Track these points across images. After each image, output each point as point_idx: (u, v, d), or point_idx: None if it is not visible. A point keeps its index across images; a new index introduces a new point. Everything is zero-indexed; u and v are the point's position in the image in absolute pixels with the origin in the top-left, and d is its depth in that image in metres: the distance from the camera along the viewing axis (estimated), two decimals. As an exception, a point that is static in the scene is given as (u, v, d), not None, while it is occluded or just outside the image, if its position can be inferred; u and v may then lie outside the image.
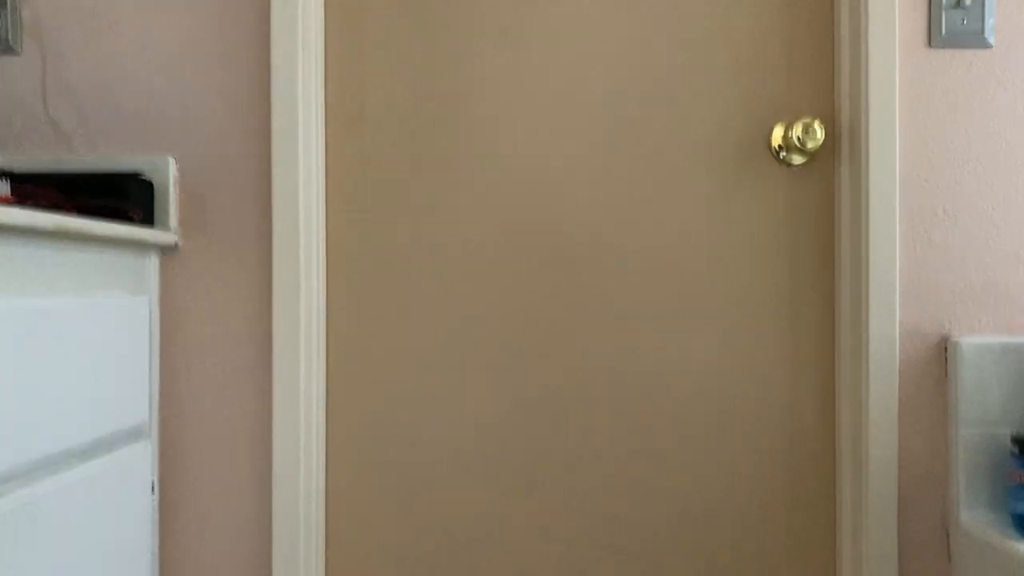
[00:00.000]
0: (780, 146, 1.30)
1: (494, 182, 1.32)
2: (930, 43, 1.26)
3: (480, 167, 1.32)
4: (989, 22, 1.26)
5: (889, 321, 1.24)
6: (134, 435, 1.19)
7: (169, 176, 1.25)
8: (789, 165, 1.31)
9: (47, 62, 1.27)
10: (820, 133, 1.24)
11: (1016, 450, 1.15)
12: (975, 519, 1.21)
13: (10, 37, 1.26)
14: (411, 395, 1.32)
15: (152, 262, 1.25)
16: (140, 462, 1.18)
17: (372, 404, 1.32)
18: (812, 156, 1.30)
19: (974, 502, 1.22)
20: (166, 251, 1.27)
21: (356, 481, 1.32)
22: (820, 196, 1.31)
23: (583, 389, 1.31)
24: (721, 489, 1.31)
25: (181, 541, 1.27)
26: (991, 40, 1.26)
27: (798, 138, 1.24)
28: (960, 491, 1.22)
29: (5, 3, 1.26)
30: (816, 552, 1.31)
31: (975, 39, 1.26)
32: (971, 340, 1.23)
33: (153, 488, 1.24)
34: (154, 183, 1.24)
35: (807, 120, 1.24)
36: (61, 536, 0.97)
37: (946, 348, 1.25)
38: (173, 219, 1.25)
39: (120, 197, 1.18)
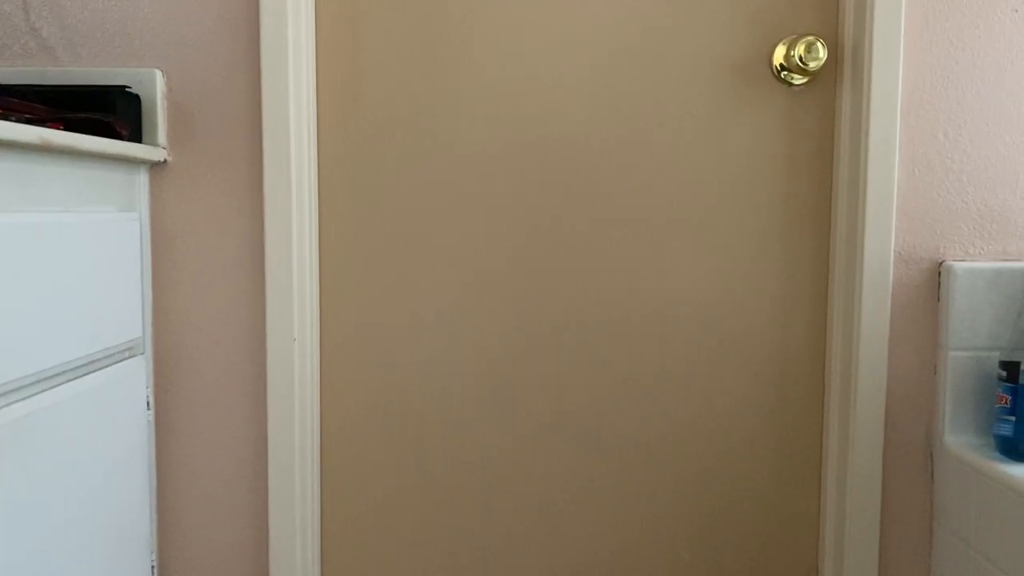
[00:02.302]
0: (782, 65, 1.27)
1: (493, 96, 1.29)
2: (939, -41, 1.23)
3: (479, 79, 1.29)
4: (1001, -63, 1.22)
5: (884, 244, 1.23)
6: (128, 351, 1.19)
7: (157, 90, 1.22)
8: (790, 85, 1.29)
9: (27, -31, 1.23)
10: (822, 52, 1.21)
11: (1003, 374, 1.16)
12: (959, 442, 1.23)
13: (-13, -59, 1.22)
14: (406, 312, 1.32)
15: (141, 178, 1.23)
16: (135, 378, 1.19)
17: (367, 321, 1.32)
18: (814, 76, 1.28)
19: (959, 425, 1.24)
20: (155, 166, 1.25)
21: (350, 397, 1.33)
22: (820, 117, 1.29)
23: (579, 309, 1.32)
24: (711, 405, 1.33)
25: (178, 455, 1.28)
26: (1002, -43, 1.22)
27: (800, 57, 1.22)
28: (946, 413, 1.24)
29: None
30: (802, 469, 1.34)
31: (986, -45, 1.22)
32: (964, 265, 1.23)
33: (148, 404, 1.26)
34: (141, 97, 1.22)
35: (810, 39, 1.21)
36: (58, 450, 0.98)
37: (940, 272, 1.25)
38: (162, 134, 1.23)
39: (107, 111, 1.15)
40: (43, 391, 0.97)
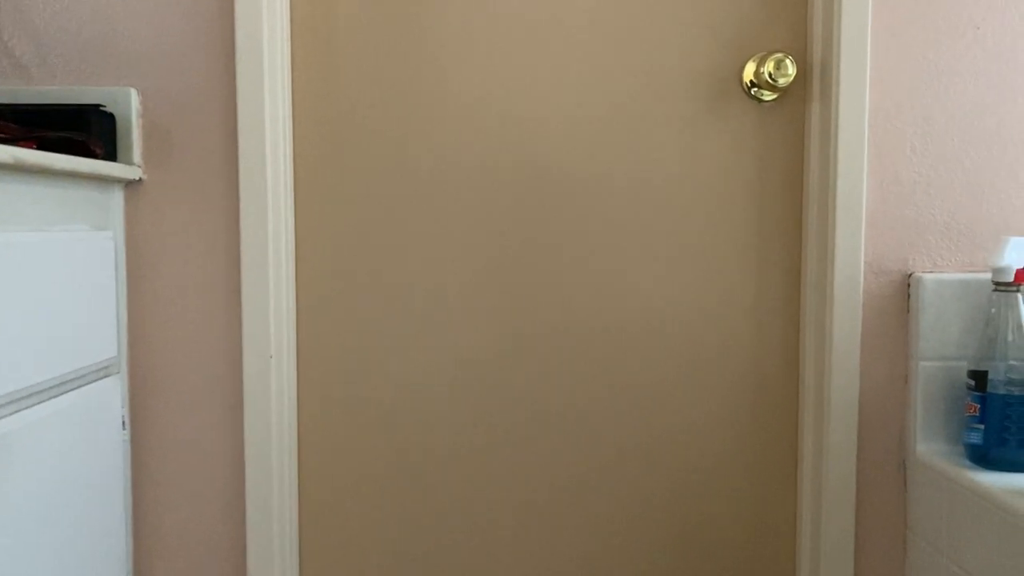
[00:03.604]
0: (752, 82, 1.29)
1: (469, 110, 1.30)
2: (903, -22, 1.26)
3: (456, 95, 1.30)
4: (963, -43, 1.25)
5: (854, 256, 1.26)
6: (103, 371, 1.18)
7: (132, 108, 1.22)
8: (760, 101, 1.31)
9: (0, -12, 1.23)
10: (792, 69, 1.24)
11: (972, 383, 1.18)
12: (931, 450, 1.25)
13: (-41, -39, 1.21)
14: (382, 329, 1.32)
15: (116, 197, 1.23)
16: (110, 398, 1.18)
17: (343, 339, 1.32)
18: (783, 92, 1.30)
19: (930, 434, 1.26)
20: (130, 185, 1.25)
21: (327, 413, 1.33)
22: (790, 132, 1.32)
23: (553, 319, 1.32)
24: (686, 416, 1.34)
25: (154, 475, 1.27)
26: (964, -25, 1.25)
27: (770, 74, 1.24)
28: (917, 423, 1.26)
29: (-48, -76, 1.21)
30: (777, 479, 1.35)
31: (948, -26, 1.25)
32: (933, 276, 1.25)
33: (124, 423, 1.25)
34: (116, 116, 1.22)
35: (779, 56, 1.23)
36: (33, 470, 0.98)
37: (909, 284, 1.28)
38: (136, 153, 1.23)
39: (81, 130, 1.15)
40: (17, 411, 0.96)
